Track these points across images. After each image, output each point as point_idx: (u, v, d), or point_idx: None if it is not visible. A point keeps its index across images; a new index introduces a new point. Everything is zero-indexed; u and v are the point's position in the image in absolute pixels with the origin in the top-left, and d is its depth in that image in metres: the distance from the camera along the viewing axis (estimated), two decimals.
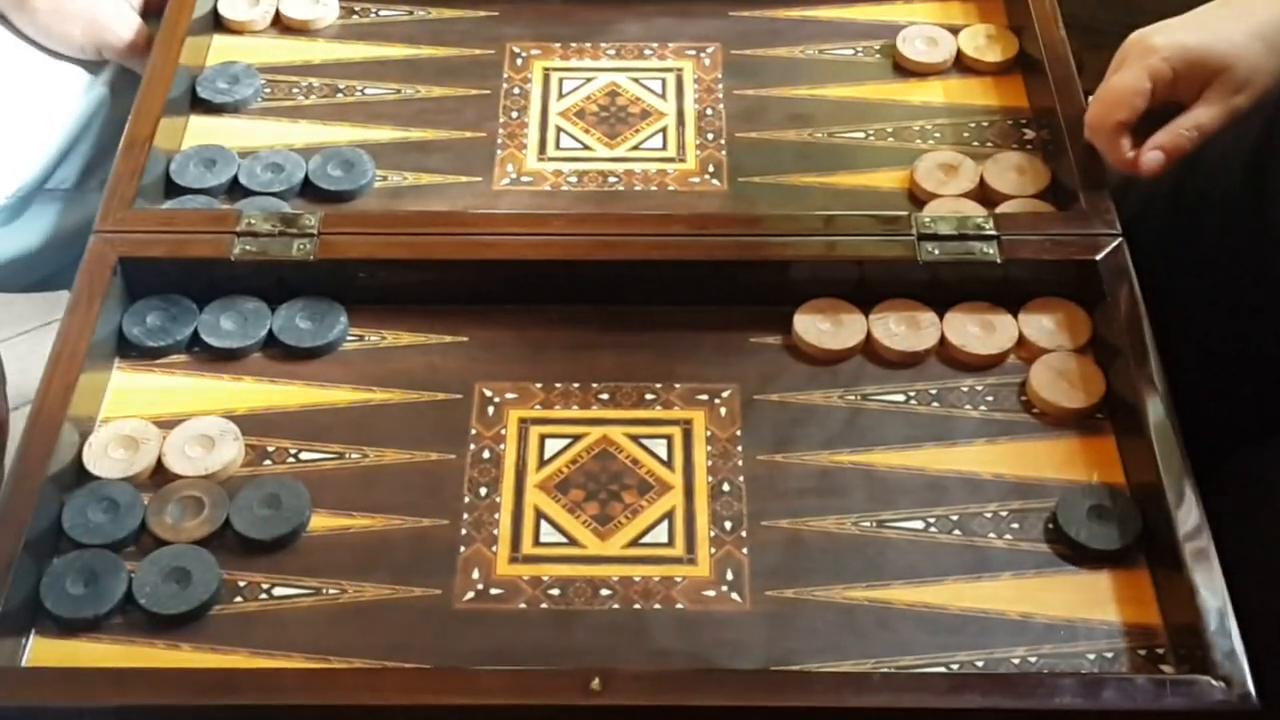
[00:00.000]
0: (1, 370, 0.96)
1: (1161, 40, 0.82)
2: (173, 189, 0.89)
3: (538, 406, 0.80)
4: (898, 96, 0.95)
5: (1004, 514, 0.75)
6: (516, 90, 0.96)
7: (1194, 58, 0.81)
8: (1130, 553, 0.73)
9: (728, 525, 0.74)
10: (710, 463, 0.77)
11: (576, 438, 0.78)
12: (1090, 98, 0.86)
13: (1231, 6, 0.83)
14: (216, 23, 0.99)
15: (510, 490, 0.76)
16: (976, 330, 0.82)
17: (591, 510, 0.75)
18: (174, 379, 0.81)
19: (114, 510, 0.74)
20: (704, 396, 0.80)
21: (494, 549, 0.73)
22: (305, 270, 0.82)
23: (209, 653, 0.70)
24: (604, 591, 0.72)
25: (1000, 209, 0.87)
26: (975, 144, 0.92)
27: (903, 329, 0.82)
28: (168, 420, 0.78)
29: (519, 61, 0.97)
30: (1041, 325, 0.82)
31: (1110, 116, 0.82)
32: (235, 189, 0.89)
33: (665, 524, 0.75)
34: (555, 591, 0.72)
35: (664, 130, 0.93)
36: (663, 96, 0.95)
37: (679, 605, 0.71)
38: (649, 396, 0.80)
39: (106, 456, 0.76)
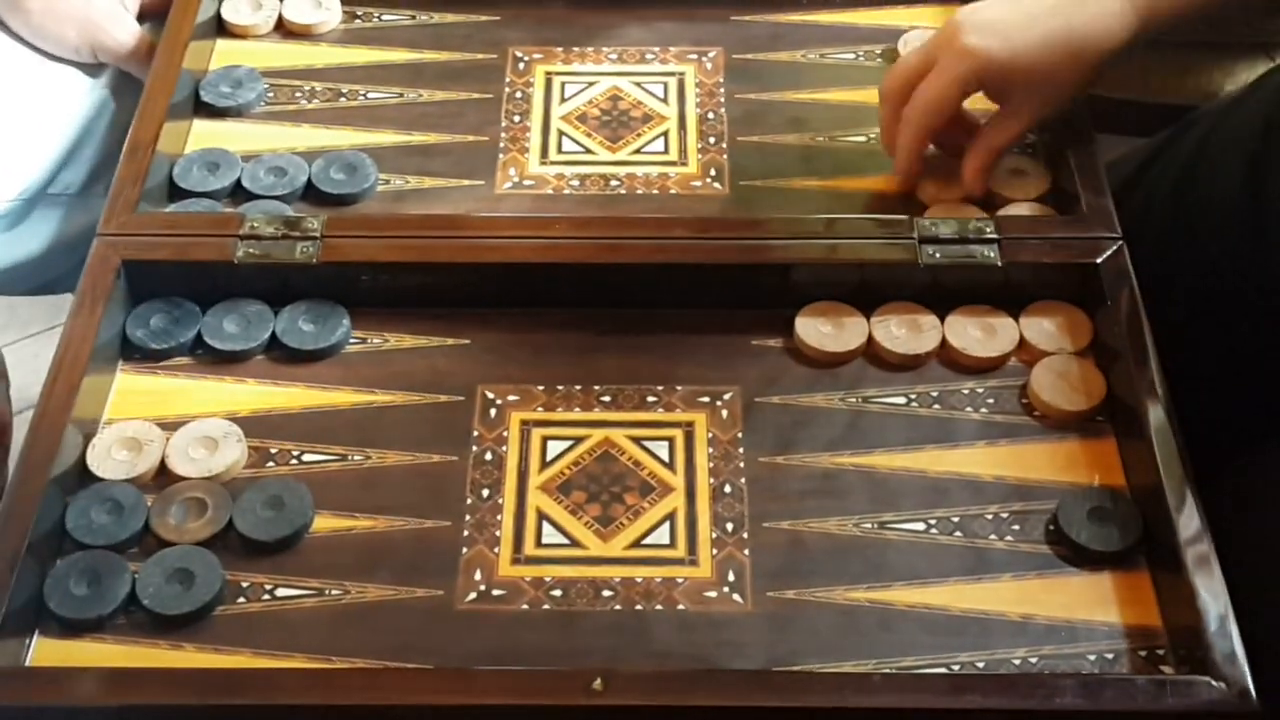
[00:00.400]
0: (5, 373, 0.96)
1: (973, 43, 0.82)
2: (176, 192, 0.89)
3: (539, 409, 0.80)
4: None
5: (1005, 516, 0.75)
6: (519, 94, 0.96)
7: (1002, 69, 0.82)
8: (1131, 555, 0.73)
9: (729, 527, 0.75)
10: (712, 464, 0.77)
11: (578, 440, 0.78)
12: (888, 82, 0.86)
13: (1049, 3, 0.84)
14: (220, 27, 1.00)
15: (512, 492, 0.76)
16: (977, 333, 0.82)
17: (593, 512, 0.75)
18: (177, 381, 0.81)
19: (117, 511, 0.74)
20: (705, 399, 0.80)
21: (496, 550, 0.74)
22: (308, 273, 0.83)
23: (212, 653, 0.70)
24: (606, 592, 0.72)
25: (1001, 212, 0.87)
26: None
27: (904, 332, 0.82)
28: (171, 422, 0.78)
29: (521, 65, 0.98)
30: (1042, 328, 0.82)
31: (922, 126, 0.84)
32: (238, 192, 0.89)
33: (667, 525, 0.75)
34: (557, 592, 0.72)
35: (666, 134, 0.93)
36: (664, 100, 0.95)
37: (680, 606, 0.72)
38: (650, 399, 0.80)
39: (110, 458, 0.76)
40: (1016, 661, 0.69)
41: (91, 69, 1.03)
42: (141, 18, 1.03)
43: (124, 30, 1.01)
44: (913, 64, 0.85)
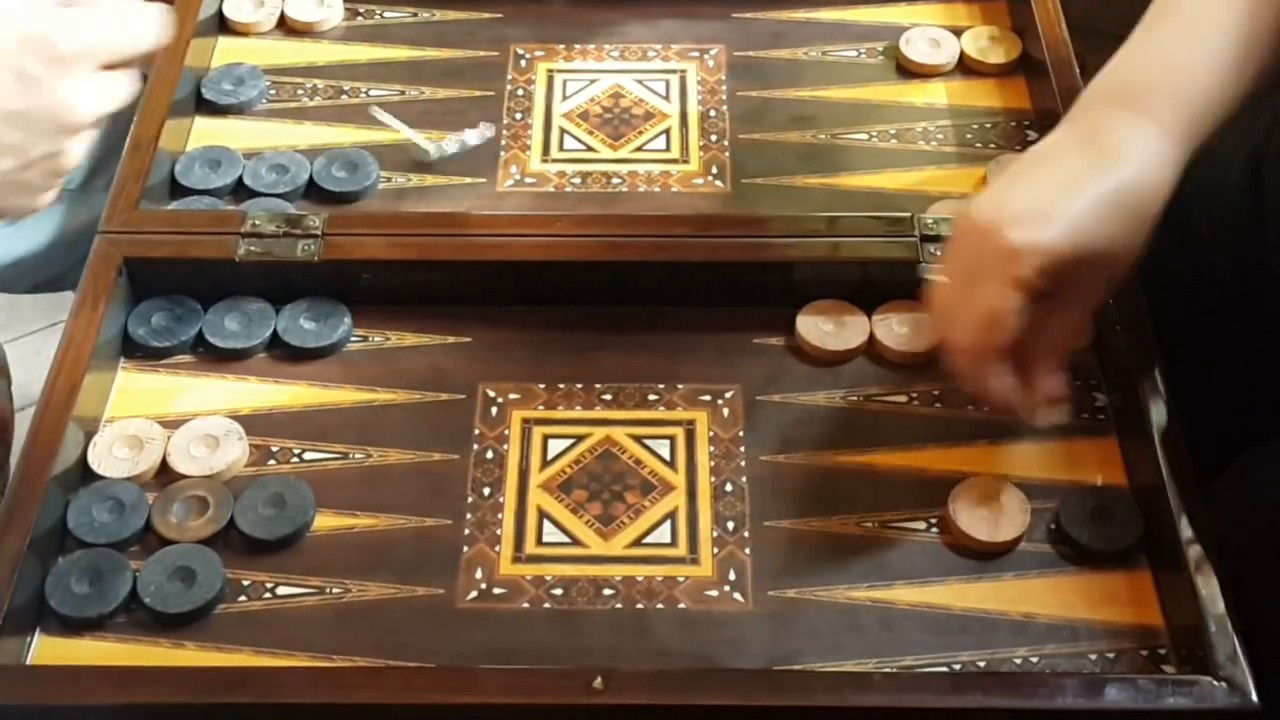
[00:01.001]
0: (7, 370, 0.96)
1: (1023, 239, 0.67)
2: (178, 190, 0.89)
3: (541, 407, 0.80)
4: (901, 98, 0.96)
5: None
6: (520, 92, 0.96)
7: (1064, 259, 0.68)
8: (1132, 554, 0.73)
9: (730, 525, 0.75)
10: (713, 463, 0.77)
11: (579, 438, 0.78)
12: (938, 316, 0.72)
13: (1096, 157, 0.70)
14: (221, 24, 1.00)
15: (513, 490, 0.76)
16: None
17: (594, 510, 0.75)
18: (179, 379, 0.81)
19: (119, 510, 0.74)
20: (707, 397, 0.80)
21: (497, 549, 0.74)
22: (309, 271, 0.83)
23: (213, 652, 0.70)
24: (607, 591, 0.72)
25: None
26: (978, 145, 0.92)
27: (905, 330, 0.82)
28: (172, 420, 0.78)
29: (523, 63, 0.98)
30: None
31: (987, 345, 0.69)
32: (240, 190, 0.89)
33: (668, 524, 0.75)
34: (558, 591, 0.72)
35: (667, 132, 0.93)
36: (666, 98, 0.95)
37: (681, 605, 0.72)
38: (652, 397, 0.80)
39: (111, 456, 0.76)
40: (1018, 661, 0.69)
41: None
42: None
43: None
44: (956, 288, 0.69)
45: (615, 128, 0.94)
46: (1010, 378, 0.70)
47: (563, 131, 0.93)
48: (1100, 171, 0.69)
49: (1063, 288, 0.70)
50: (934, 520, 0.75)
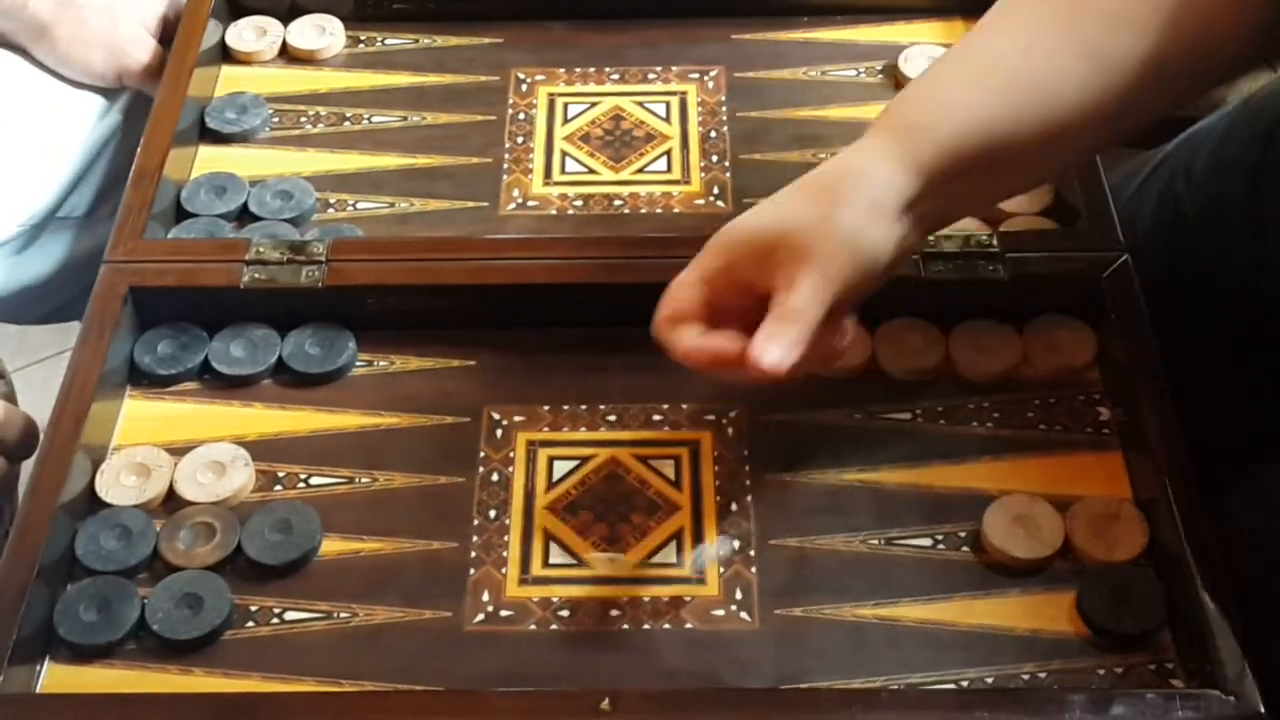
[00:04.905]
0: (14, 399, 0.97)
1: (724, 231, 0.71)
2: (183, 218, 0.89)
3: (546, 429, 0.80)
4: None
5: None
6: (522, 116, 0.96)
7: (750, 240, 0.69)
8: (1139, 569, 0.73)
9: (735, 545, 0.75)
10: (718, 483, 0.77)
11: (584, 459, 0.78)
12: None
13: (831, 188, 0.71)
14: (224, 54, 1.00)
15: (519, 512, 0.76)
16: (982, 348, 0.82)
17: (600, 531, 0.75)
18: (185, 406, 0.81)
19: (126, 537, 0.74)
20: (711, 417, 0.80)
21: (504, 571, 0.74)
22: (314, 297, 0.83)
23: (221, 678, 0.70)
24: (613, 612, 0.72)
25: (1004, 227, 0.87)
26: None
27: (909, 348, 0.82)
28: (179, 447, 0.79)
29: (524, 87, 0.98)
30: (1047, 342, 0.82)
31: (659, 313, 0.70)
32: (245, 216, 0.90)
33: (674, 544, 0.75)
34: (565, 613, 0.72)
35: (668, 153, 0.94)
36: (667, 120, 0.96)
37: (688, 625, 0.72)
38: (656, 417, 0.80)
39: (119, 484, 0.77)
40: (1025, 676, 0.69)
41: (107, 94, 1.04)
42: (161, 40, 1.03)
43: (148, 53, 1.01)
44: None
45: (616, 150, 0.94)
46: (684, 337, 0.69)
47: (564, 154, 0.94)
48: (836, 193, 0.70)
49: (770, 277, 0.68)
50: (940, 537, 0.75)
